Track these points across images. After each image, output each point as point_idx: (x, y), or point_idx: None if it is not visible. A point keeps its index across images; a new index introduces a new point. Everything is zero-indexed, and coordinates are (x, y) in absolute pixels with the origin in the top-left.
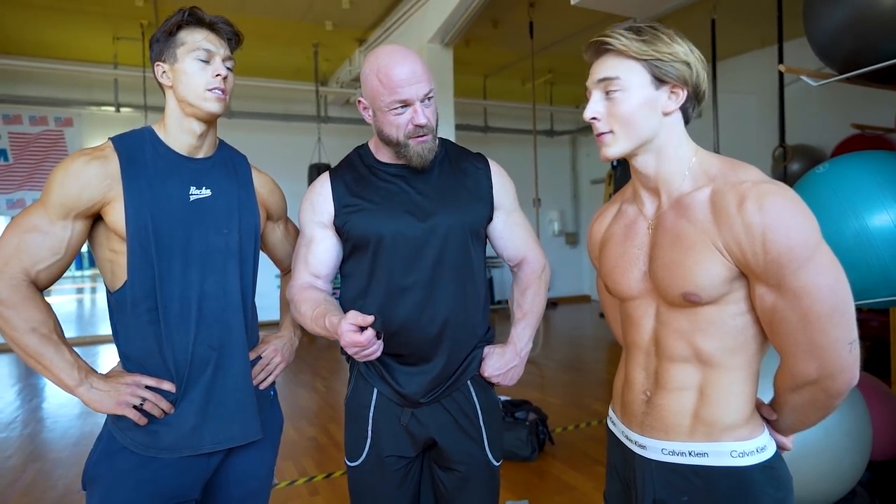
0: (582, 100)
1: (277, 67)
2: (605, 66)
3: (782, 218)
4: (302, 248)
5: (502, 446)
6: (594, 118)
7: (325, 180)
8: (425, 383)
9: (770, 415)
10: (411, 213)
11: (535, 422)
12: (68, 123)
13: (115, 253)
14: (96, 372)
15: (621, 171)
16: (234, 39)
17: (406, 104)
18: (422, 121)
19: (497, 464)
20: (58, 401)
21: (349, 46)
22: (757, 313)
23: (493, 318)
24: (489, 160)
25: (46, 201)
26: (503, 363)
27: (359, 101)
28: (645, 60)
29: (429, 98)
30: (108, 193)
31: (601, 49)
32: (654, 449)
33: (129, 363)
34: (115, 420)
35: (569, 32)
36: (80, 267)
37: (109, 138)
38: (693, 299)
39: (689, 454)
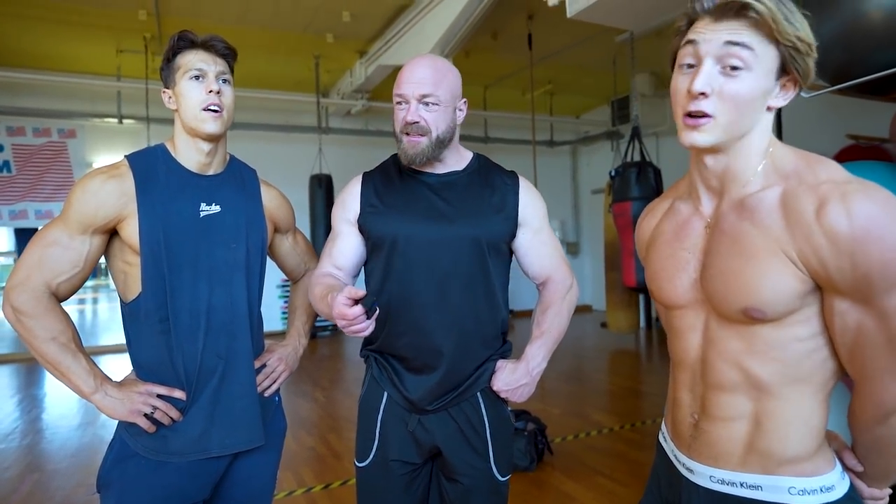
0: (581, 110)
1: (279, 79)
2: (737, 32)
3: (876, 225)
4: (329, 242)
5: (511, 463)
6: (703, 92)
7: (357, 180)
8: (430, 390)
9: (856, 466)
10: (430, 218)
11: (533, 432)
12: (71, 135)
13: (129, 265)
14: (111, 380)
15: (619, 183)
16: (228, 55)
17: (403, 100)
18: (410, 118)
19: (503, 479)
20: (57, 412)
21: (350, 58)
22: (833, 331)
23: None
24: (521, 178)
25: (66, 217)
26: (513, 379)
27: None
28: (783, 44)
29: (428, 102)
30: (124, 210)
31: (733, 11)
32: (703, 475)
33: (142, 371)
34: (126, 426)
35: (567, 44)
36: None
37: (125, 156)
38: (756, 315)
39: (741, 485)
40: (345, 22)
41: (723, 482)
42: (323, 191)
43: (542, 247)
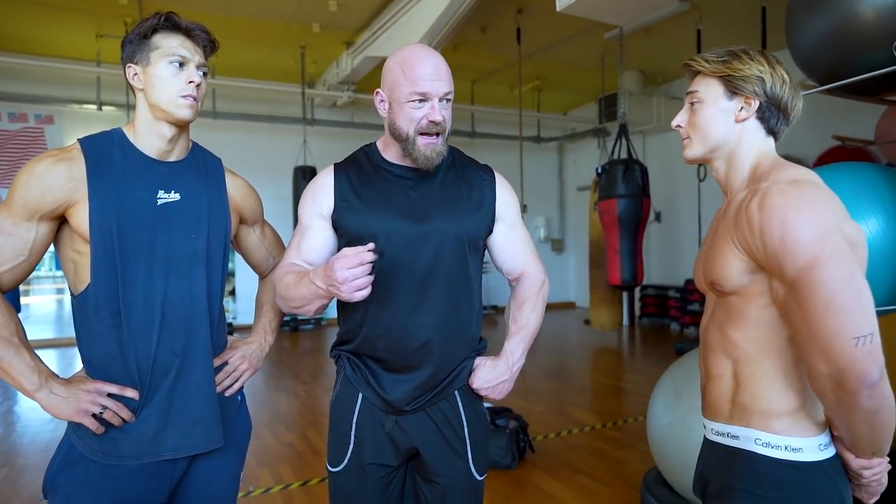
0: (569, 107)
1: (264, 69)
2: (692, 83)
3: (777, 215)
4: (296, 236)
5: (487, 460)
6: (678, 126)
7: (328, 172)
8: (410, 391)
9: (835, 431)
10: (408, 215)
11: (515, 430)
12: (49, 121)
13: (79, 254)
14: (58, 377)
15: (605, 179)
16: (209, 47)
17: (424, 98)
18: (437, 117)
19: (480, 478)
20: (29, 404)
21: (336, 49)
22: (775, 305)
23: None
24: (496, 173)
25: (10, 203)
26: (493, 376)
27: (376, 93)
28: (719, 76)
29: (447, 99)
30: (73, 195)
31: (690, 70)
32: (709, 429)
33: (92, 368)
34: (74, 428)
35: (556, 39)
36: (59, 267)
37: (78, 139)
38: (717, 287)
39: (727, 435)
40: (332, 11)
41: (718, 433)
42: (307, 182)
43: (516, 242)
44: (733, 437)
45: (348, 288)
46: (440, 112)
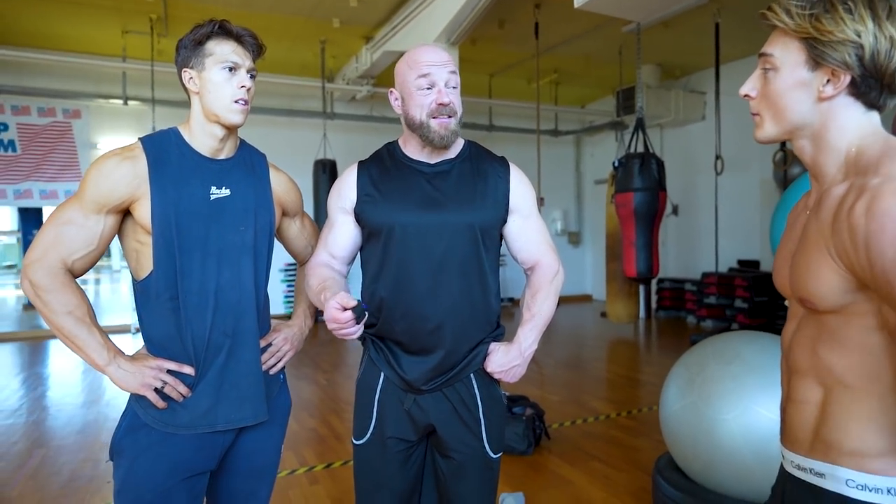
0: (586, 100)
1: (284, 63)
2: (768, 41)
3: (891, 225)
4: (325, 229)
5: (503, 441)
6: (747, 95)
7: (353, 170)
8: (426, 372)
9: None
10: (423, 207)
11: (531, 417)
12: (76, 115)
13: (142, 244)
14: (124, 354)
15: (622, 173)
16: (256, 51)
17: (430, 83)
18: (445, 99)
19: (495, 456)
20: (62, 390)
21: (356, 44)
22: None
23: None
24: (511, 165)
25: (82, 197)
26: (506, 360)
27: (390, 92)
28: (801, 38)
29: (453, 86)
30: (137, 191)
31: (766, 24)
32: (788, 461)
33: (153, 346)
34: (137, 399)
35: (574, 34)
36: None
37: (139, 139)
38: (809, 305)
39: (810, 471)
40: (351, 7)
41: (799, 468)
42: (327, 176)
43: (531, 233)
44: (818, 473)
45: (336, 334)
46: (447, 96)
